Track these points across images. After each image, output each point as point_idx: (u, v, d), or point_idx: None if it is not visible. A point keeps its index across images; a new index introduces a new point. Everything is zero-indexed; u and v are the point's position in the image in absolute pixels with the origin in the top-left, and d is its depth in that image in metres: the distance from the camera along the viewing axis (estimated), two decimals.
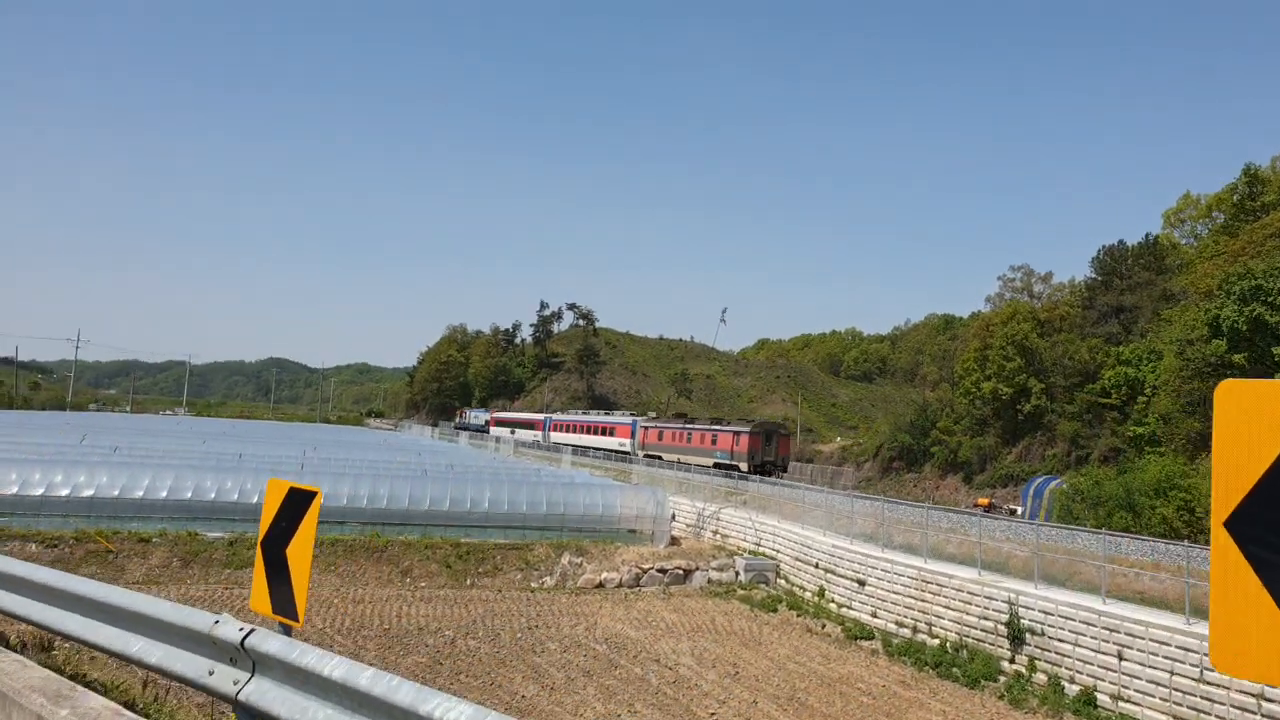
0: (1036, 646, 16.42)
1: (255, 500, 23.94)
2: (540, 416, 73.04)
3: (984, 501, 39.36)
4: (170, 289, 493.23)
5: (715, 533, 29.94)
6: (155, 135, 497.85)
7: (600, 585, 23.85)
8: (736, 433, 41.90)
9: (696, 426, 46.56)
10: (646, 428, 51.70)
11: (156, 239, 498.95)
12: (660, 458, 46.16)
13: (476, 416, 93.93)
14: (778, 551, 26.22)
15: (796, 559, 24.90)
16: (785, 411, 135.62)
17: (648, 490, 30.27)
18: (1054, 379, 48.06)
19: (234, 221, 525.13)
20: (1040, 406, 47.70)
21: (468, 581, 22.12)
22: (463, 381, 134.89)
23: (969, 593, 18.14)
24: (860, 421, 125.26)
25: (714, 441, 43.65)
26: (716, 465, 41.69)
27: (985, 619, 17.62)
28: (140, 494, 23.22)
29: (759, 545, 27.28)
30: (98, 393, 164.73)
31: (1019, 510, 36.22)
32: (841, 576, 22.15)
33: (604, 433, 57.67)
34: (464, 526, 26.18)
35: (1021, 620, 16.70)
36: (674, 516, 31.56)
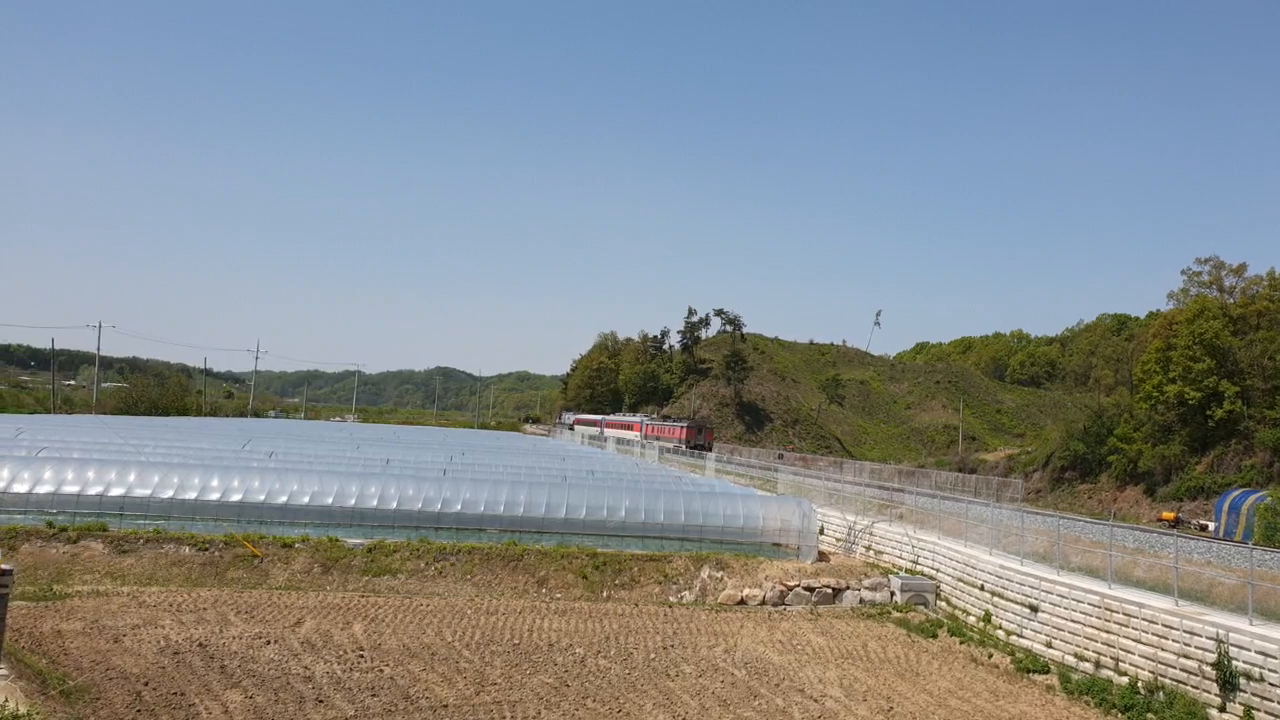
0: (1255, 695, 14.39)
1: (394, 506, 25.31)
2: (599, 418, 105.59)
3: (1169, 516, 37.24)
4: (343, 300, 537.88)
5: (868, 549, 28.46)
6: (313, 141, 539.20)
7: (742, 602, 23.18)
8: (683, 426, 78.95)
9: (668, 423, 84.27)
10: (647, 424, 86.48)
11: (329, 252, 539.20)
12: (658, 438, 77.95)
13: (566, 418, 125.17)
14: (937, 570, 24.48)
15: (959, 579, 23.14)
16: (946, 418, 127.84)
17: (793, 501, 29.24)
18: (1251, 381, 45.71)
19: (399, 234, 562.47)
20: (1235, 412, 44.47)
21: (604, 594, 22.13)
22: (613, 387, 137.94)
23: (1164, 625, 16.23)
24: (1027, 429, 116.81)
25: (671, 432, 79.35)
26: (674, 448, 70.09)
27: (1186, 657, 15.67)
28: (285, 499, 24.84)
29: (916, 563, 25.60)
30: (280, 401, 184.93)
31: (1210, 527, 33.68)
32: (1010, 600, 20.48)
33: (626, 428, 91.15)
34: (601, 535, 26.36)
35: (1234, 662, 14.73)
36: (822, 530, 30.35)
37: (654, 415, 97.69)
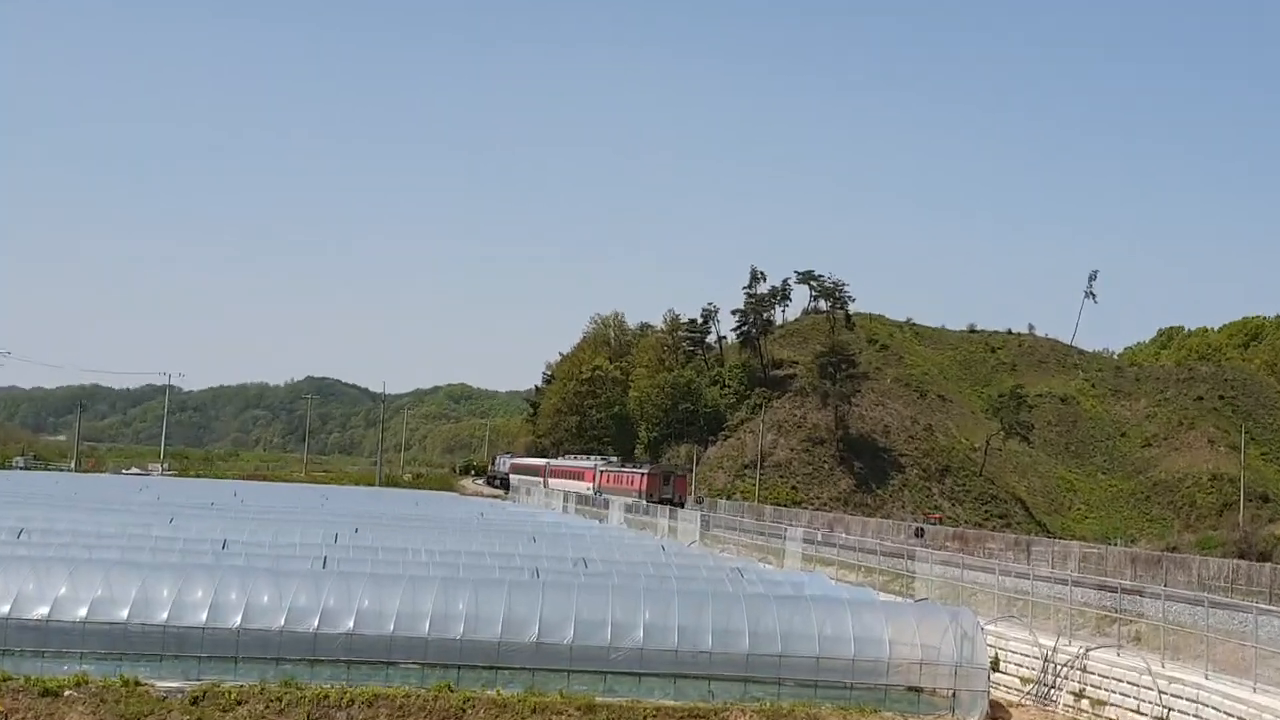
0: None
1: (236, 622, 25.26)
2: (542, 462, 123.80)
3: None
4: (143, 277, 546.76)
5: (1079, 695, 28.18)
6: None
7: None
8: (642, 473, 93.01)
9: (625, 469, 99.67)
10: (602, 471, 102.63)
11: (108, 196, 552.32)
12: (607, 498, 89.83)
13: (501, 463, 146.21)
14: None
15: None
16: (1216, 462, 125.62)
17: (943, 613, 28.96)
18: None
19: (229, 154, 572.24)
20: None
21: None
22: (618, 413, 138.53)
23: None
24: None
25: (629, 482, 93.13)
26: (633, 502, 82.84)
27: None
28: (45, 611, 24.86)
29: None
30: (35, 439, 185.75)
31: None
32: None
33: (574, 476, 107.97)
34: (604, 673, 26.23)
35: None
36: (997, 663, 30.05)
37: (611, 459, 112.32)
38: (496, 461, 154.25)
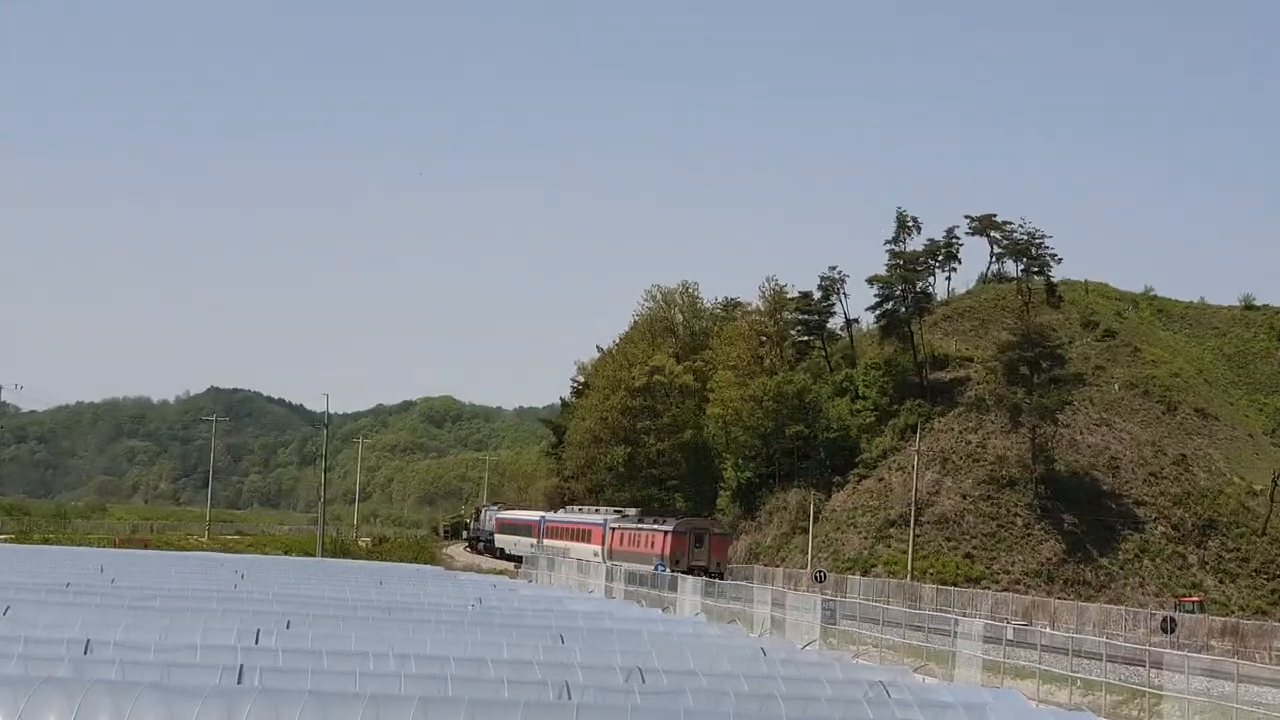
0: None
1: None
2: (535, 517, 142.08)
3: None
4: None
5: None
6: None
7: None
8: (666, 531, 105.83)
9: (644, 527, 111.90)
10: (614, 529, 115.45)
11: None
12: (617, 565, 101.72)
13: (487, 519, 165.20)
14: None
15: None
16: None
17: None
18: None
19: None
20: None
21: None
22: (690, 439, 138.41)
23: None
24: None
25: (650, 543, 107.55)
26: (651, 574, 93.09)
27: None
28: None
29: None
30: None
31: None
32: None
33: (578, 537, 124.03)
34: None
35: None
36: None
37: (628, 513, 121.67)
38: (482, 516, 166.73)
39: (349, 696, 29.03)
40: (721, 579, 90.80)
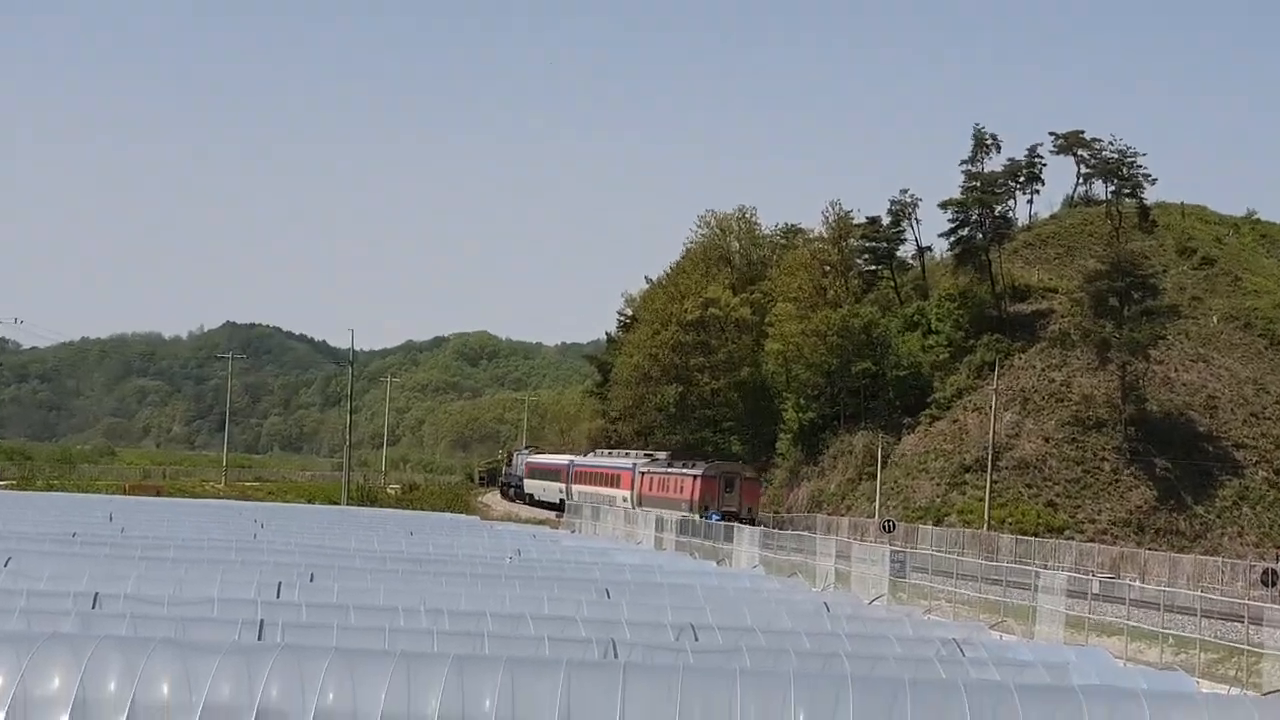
0: None
1: None
2: (564, 461, 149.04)
3: None
4: None
5: None
6: None
7: None
8: (695, 475, 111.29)
9: (673, 471, 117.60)
10: (642, 473, 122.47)
11: None
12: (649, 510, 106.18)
13: (518, 464, 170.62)
14: None
15: None
16: None
17: None
18: None
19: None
20: None
21: None
22: (747, 378, 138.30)
23: None
24: None
25: (677, 488, 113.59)
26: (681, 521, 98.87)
27: None
28: None
29: None
30: None
31: None
32: None
33: (606, 481, 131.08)
34: None
35: None
36: None
37: (658, 457, 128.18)
38: (514, 460, 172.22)
39: (377, 654, 29.05)
40: (752, 524, 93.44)
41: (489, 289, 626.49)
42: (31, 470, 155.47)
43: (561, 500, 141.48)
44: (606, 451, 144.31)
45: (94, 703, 26.45)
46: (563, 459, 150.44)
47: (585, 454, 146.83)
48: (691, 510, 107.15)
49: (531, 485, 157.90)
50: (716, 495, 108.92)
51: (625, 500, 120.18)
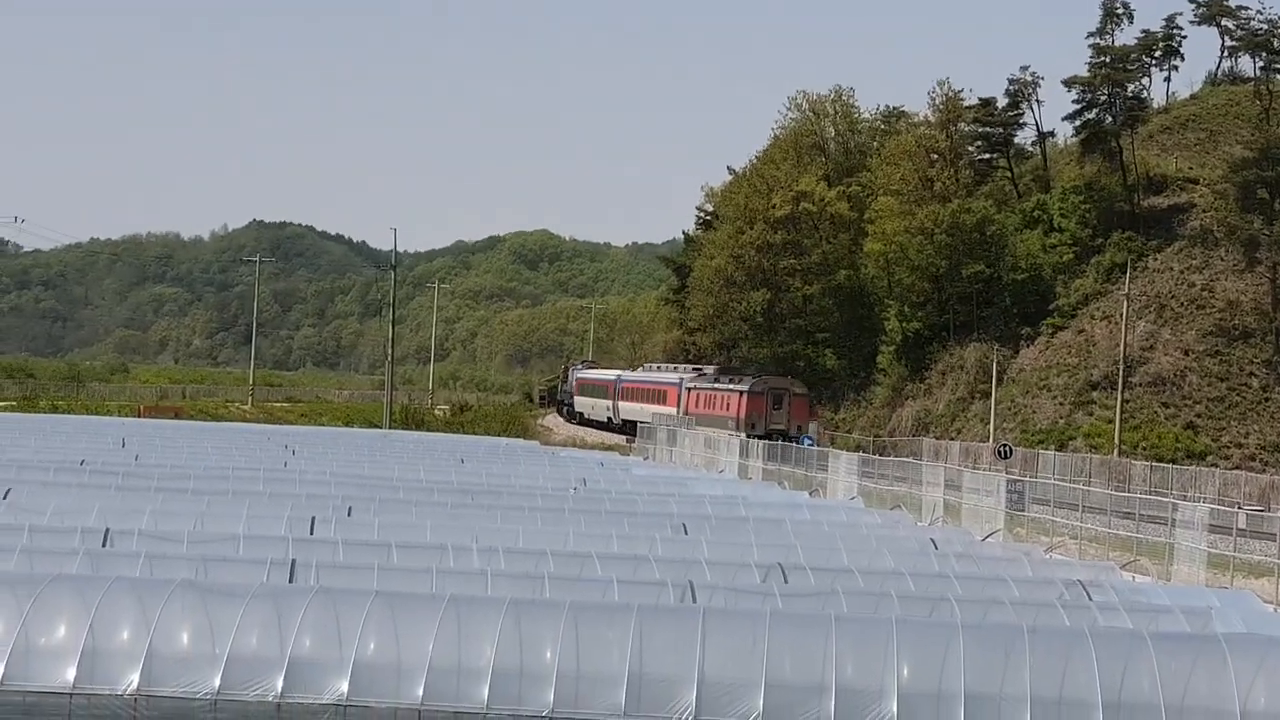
0: None
1: (131, 686, 25.80)
2: (612, 375, 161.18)
3: None
4: None
5: None
6: None
7: None
8: (741, 391, 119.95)
9: (720, 386, 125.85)
10: (689, 389, 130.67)
11: None
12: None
13: (572, 380, 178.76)
14: None
15: None
16: None
17: None
18: None
19: None
20: None
21: None
22: (845, 282, 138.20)
23: None
24: None
25: (724, 404, 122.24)
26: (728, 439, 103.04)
27: None
28: None
29: None
30: None
31: None
32: None
33: (654, 397, 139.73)
34: None
35: None
36: None
37: (705, 371, 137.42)
38: (568, 377, 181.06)
39: (424, 599, 29.16)
40: (799, 444, 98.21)
41: (550, 182, 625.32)
42: (34, 389, 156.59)
43: (609, 419, 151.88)
44: (656, 366, 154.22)
45: (104, 653, 26.66)
46: (610, 374, 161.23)
47: (636, 369, 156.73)
48: (738, 428, 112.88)
49: (581, 403, 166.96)
50: (764, 412, 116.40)
51: (671, 418, 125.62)
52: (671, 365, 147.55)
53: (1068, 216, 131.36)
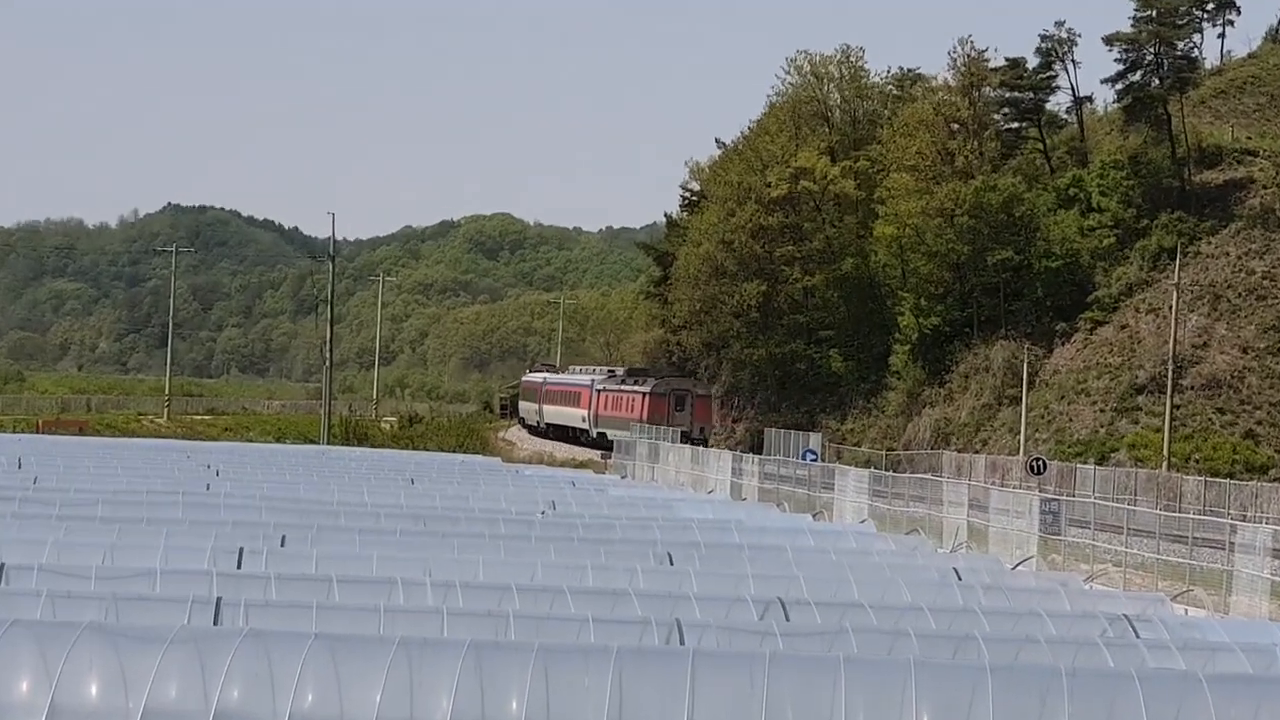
0: None
1: None
2: (539, 379, 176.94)
3: None
4: None
5: None
6: None
7: None
8: (644, 393, 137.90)
9: (625, 388, 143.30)
10: (599, 390, 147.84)
11: None
12: (605, 434, 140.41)
13: (535, 375, 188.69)
14: None
15: None
16: None
17: None
18: None
19: None
20: None
21: None
22: (852, 271, 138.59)
23: None
24: None
25: (629, 406, 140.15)
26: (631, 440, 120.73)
27: None
28: None
29: None
30: None
31: None
32: None
33: (567, 400, 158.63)
34: None
35: None
36: None
37: (614, 372, 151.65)
38: (524, 381, 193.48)
39: (370, 642, 29.25)
40: (705, 445, 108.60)
41: (510, 159, 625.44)
42: None
43: (538, 423, 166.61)
44: (578, 368, 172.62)
45: (0, 707, 26.71)
46: (538, 377, 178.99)
47: (562, 371, 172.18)
48: (638, 426, 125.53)
49: (523, 408, 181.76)
50: (666, 414, 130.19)
51: (584, 420, 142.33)
52: (588, 368, 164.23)
53: (1108, 195, 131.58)
